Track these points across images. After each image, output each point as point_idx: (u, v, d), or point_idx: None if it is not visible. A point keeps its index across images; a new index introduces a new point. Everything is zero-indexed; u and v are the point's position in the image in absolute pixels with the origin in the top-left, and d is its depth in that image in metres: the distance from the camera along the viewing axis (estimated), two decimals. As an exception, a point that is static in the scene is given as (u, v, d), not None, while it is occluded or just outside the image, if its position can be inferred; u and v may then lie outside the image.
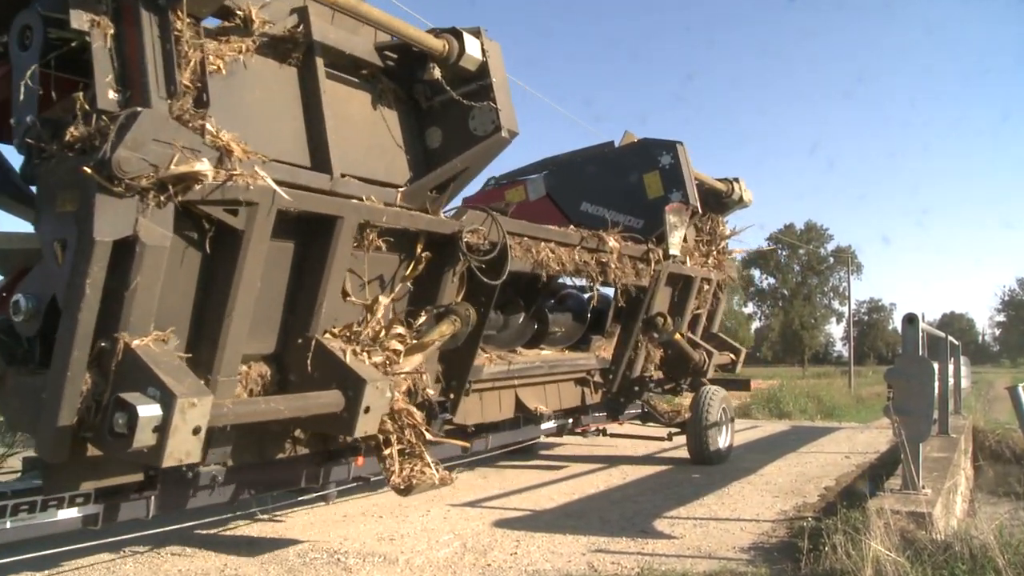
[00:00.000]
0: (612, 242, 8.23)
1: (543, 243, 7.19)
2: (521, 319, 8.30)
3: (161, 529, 5.58)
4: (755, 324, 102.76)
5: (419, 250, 5.70)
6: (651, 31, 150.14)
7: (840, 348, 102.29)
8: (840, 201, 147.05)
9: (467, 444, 7.22)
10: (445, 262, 5.87)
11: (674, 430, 10.93)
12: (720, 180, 11.40)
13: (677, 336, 9.76)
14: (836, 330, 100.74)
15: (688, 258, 10.09)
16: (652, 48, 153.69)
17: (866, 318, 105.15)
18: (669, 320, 9.32)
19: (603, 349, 9.50)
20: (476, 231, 5.99)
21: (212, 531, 6.78)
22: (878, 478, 7.90)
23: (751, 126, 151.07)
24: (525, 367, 7.96)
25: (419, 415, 5.38)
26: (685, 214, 9.39)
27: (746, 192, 11.61)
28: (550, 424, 9.14)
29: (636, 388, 10.09)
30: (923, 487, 6.52)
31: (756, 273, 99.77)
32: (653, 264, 8.94)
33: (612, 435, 11.32)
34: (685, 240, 9.94)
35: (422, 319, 5.74)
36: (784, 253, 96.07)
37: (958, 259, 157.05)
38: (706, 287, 10.85)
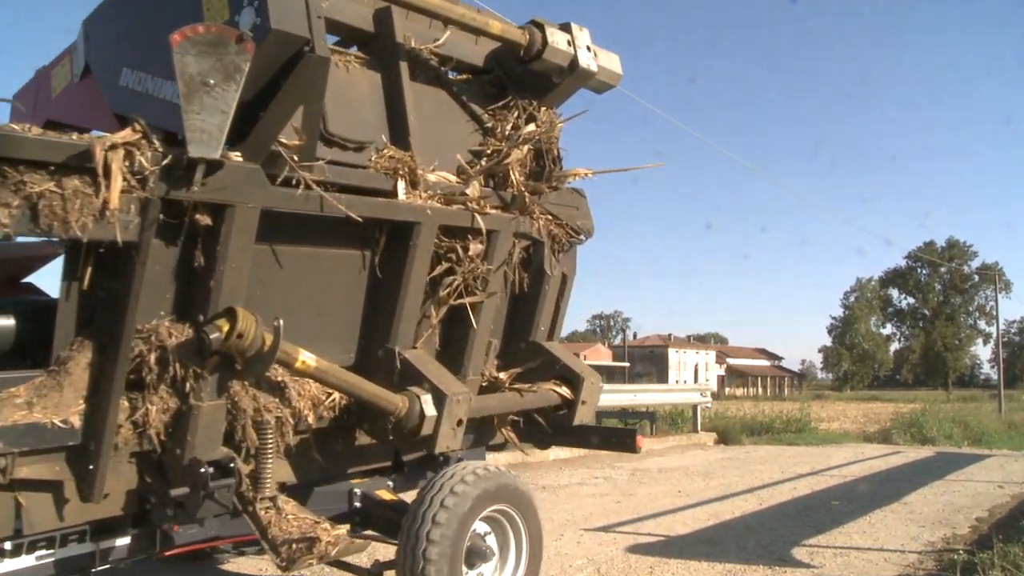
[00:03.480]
0: None
1: None
2: None
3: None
4: (894, 345, 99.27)
5: None
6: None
7: (988, 370, 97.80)
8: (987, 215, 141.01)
9: None
10: None
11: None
12: (520, 28, 5.22)
13: (302, 362, 3.99)
14: (983, 351, 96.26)
15: (403, 180, 4.51)
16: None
17: (1016, 339, 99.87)
18: (251, 326, 3.76)
19: (48, 405, 3.83)
20: None
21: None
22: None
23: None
24: None
25: None
26: (240, 60, 3.55)
27: (594, 57, 5.39)
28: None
29: (194, 482, 3.93)
30: (1088, 520, 6.12)
31: (895, 293, 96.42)
32: (143, 191, 3.59)
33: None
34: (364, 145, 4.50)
35: None
36: (925, 272, 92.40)
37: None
38: (477, 247, 4.92)
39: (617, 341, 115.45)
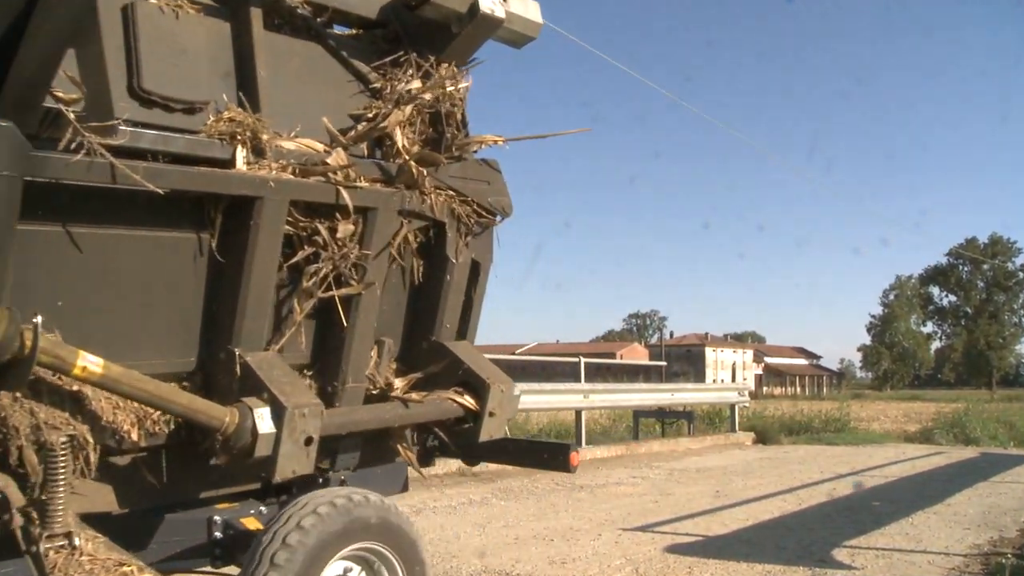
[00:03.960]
0: None
1: None
2: None
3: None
4: (935, 344, 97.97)
5: None
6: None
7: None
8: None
9: None
10: None
11: None
12: None
13: (81, 368, 3.07)
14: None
15: (242, 147, 3.68)
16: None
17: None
18: None
19: None
20: None
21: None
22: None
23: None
24: None
25: None
26: None
27: (502, 1, 4.53)
28: None
29: None
30: None
31: (935, 290, 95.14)
32: None
33: None
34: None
35: None
36: (966, 269, 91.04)
37: None
38: (347, 228, 4.02)
39: (653, 340, 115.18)
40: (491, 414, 4.36)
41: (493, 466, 12.04)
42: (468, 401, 4.34)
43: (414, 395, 4.23)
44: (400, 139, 4.17)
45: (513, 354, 62.37)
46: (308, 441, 3.58)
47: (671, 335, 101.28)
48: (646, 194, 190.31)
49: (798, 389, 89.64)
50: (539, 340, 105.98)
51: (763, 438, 18.39)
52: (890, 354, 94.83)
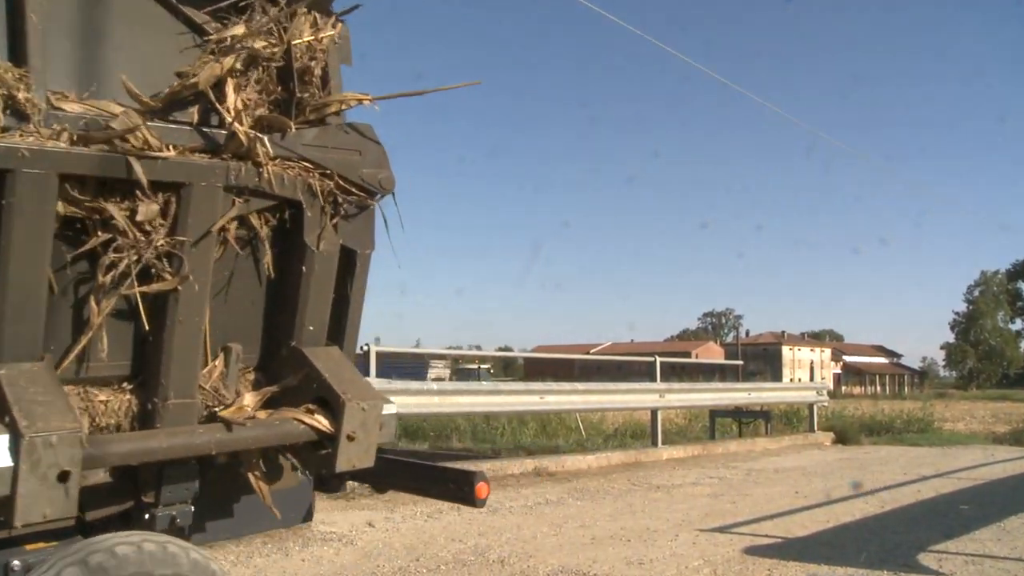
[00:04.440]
0: None
1: None
2: None
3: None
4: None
5: None
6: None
7: None
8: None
9: None
10: None
11: None
12: None
13: None
14: None
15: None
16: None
17: None
18: None
19: None
20: None
21: (460, 546, 7.05)
22: None
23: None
24: None
25: None
26: None
27: None
28: None
29: None
30: None
31: None
32: None
33: None
34: None
35: None
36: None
37: None
38: (150, 210, 3.11)
39: (729, 339, 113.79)
40: (350, 438, 3.43)
41: (569, 466, 12.06)
42: (320, 422, 3.42)
43: (260, 414, 3.43)
44: (232, 98, 3.35)
45: (588, 353, 62.50)
46: (63, 476, 2.74)
47: (747, 334, 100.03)
48: (731, 196, 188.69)
49: (878, 388, 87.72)
50: (614, 340, 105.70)
51: (842, 438, 18.03)
52: (975, 352, 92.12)
